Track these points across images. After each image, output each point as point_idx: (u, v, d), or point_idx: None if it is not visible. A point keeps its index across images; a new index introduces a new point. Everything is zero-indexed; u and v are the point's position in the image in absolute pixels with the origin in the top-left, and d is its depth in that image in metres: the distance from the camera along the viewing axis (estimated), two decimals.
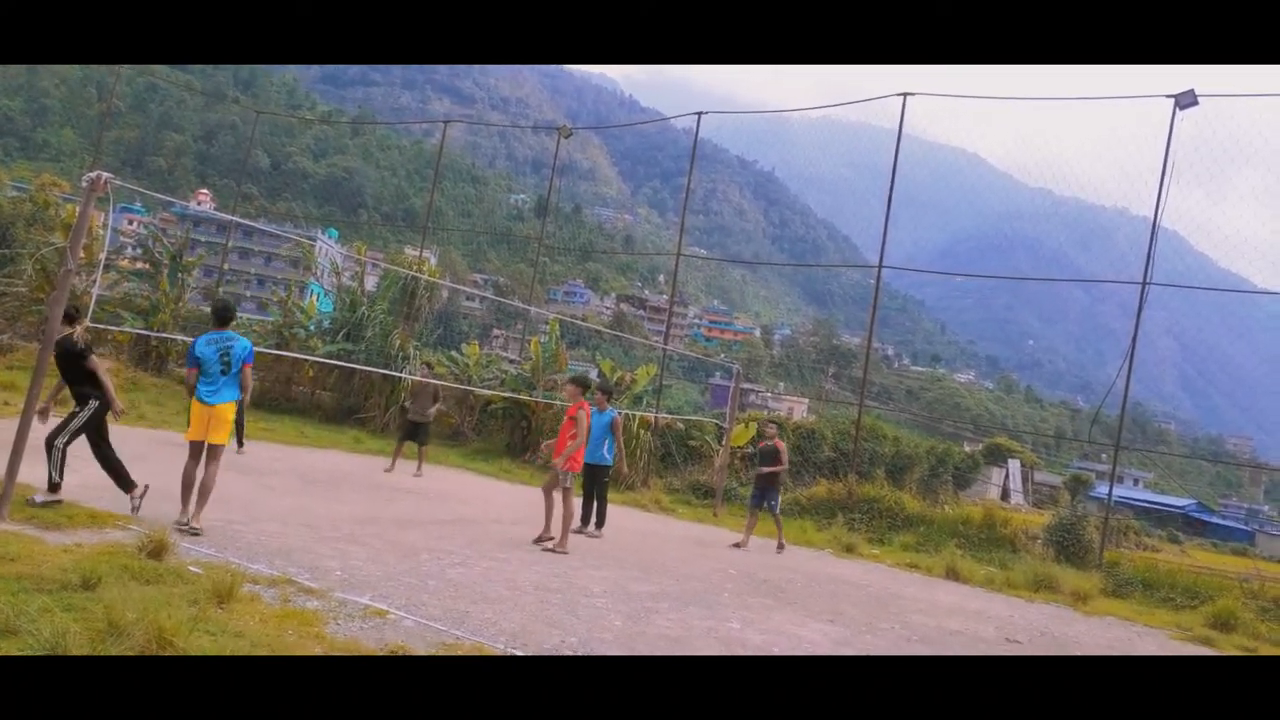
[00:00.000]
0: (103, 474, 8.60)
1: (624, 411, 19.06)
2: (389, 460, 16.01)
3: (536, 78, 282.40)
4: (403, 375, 20.38)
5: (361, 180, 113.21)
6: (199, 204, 74.35)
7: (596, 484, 12.23)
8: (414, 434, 16.05)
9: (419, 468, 15.90)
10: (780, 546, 13.30)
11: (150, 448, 13.29)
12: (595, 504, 12.23)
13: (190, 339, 8.80)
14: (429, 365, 18.49)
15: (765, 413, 28.85)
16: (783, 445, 13.60)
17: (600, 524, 12.16)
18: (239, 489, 10.88)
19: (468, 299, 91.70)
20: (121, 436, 13.80)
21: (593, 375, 23.77)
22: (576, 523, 12.10)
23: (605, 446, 12.10)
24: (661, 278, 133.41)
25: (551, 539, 10.38)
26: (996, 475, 39.02)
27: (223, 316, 8.72)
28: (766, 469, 13.34)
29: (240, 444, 14.56)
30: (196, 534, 7.74)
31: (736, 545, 13.00)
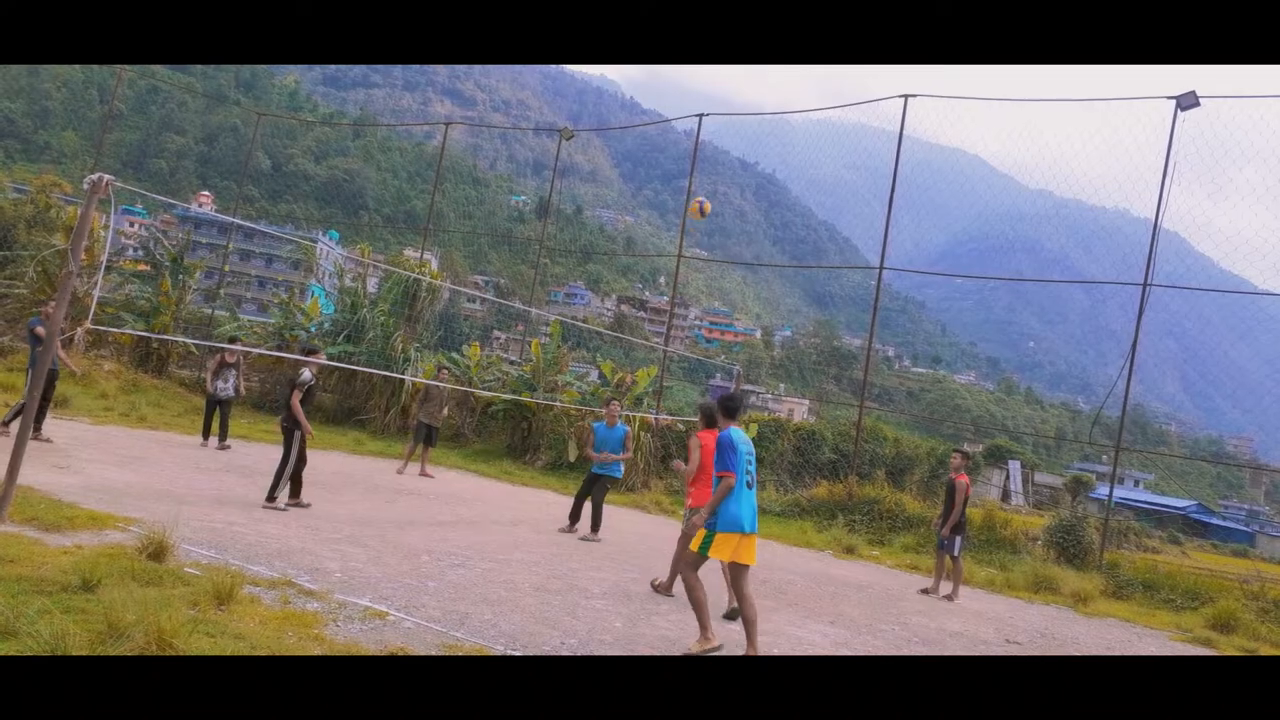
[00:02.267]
0: (105, 476, 8.62)
1: (624, 412, 19.06)
2: (400, 463, 16.43)
3: (537, 80, 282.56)
4: (405, 377, 20.43)
5: (363, 182, 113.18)
6: (200, 206, 74.37)
7: (596, 489, 12.13)
8: (428, 436, 16.44)
9: (423, 468, 16.13)
10: (951, 596, 11.41)
11: (151, 449, 13.30)
12: (593, 508, 12.15)
13: (188, 340, 8.84)
14: (447, 369, 18.67)
15: (767, 414, 28.83)
16: (964, 480, 11.62)
17: (595, 528, 12.03)
18: (239, 490, 10.89)
19: (469, 301, 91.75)
20: (124, 438, 13.85)
21: (592, 378, 23.76)
22: (565, 522, 12.12)
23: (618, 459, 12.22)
24: (662, 279, 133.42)
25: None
26: (997, 476, 39.03)
27: (731, 409, 7.19)
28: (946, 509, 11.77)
29: (221, 439, 14.81)
30: None
31: (925, 591, 11.60)
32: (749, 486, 6.72)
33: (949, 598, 11.35)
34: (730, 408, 7.12)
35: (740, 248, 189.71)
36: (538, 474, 18.85)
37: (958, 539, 11.54)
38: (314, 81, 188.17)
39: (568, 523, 12.11)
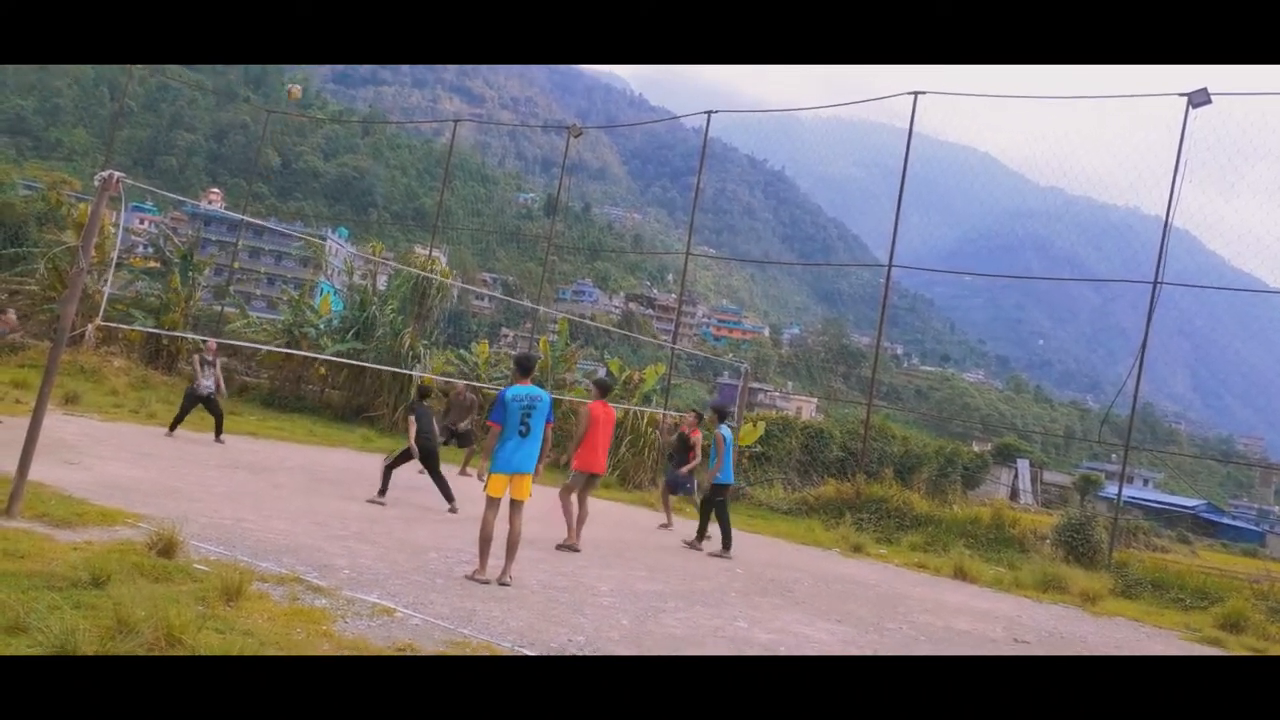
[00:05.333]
0: (114, 472, 8.67)
1: (632, 409, 19.06)
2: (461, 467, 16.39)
3: (546, 77, 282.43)
4: (414, 373, 20.48)
5: (372, 179, 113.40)
6: (210, 203, 74.61)
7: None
8: (460, 439, 16.53)
9: (464, 468, 16.42)
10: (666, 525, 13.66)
11: (160, 445, 13.36)
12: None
13: (197, 337, 8.97)
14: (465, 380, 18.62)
15: (775, 412, 28.80)
16: (698, 435, 13.60)
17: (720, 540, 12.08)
18: (249, 487, 10.94)
19: (477, 298, 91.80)
20: (134, 435, 13.91)
21: (600, 374, 23.78)
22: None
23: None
24: (670, 277, 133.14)
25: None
26: (1005, 475, 38.87)
27: (525, 367, 8.34)
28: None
29: (219, 435, 14.86)
30: (506, 585, 7.73)
31: (662, 526, 13.65)
32: (521, 435, 7.87)
33: (664, 526, 13.41)
34: (524, 366, 8.30)
35: (748, 245, 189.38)
36: (544, 472, 18.84)
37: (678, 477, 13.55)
38: (323, 79, 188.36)
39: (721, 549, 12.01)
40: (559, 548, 10.05)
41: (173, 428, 14.83)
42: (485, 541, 7.84)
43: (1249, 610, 11.80)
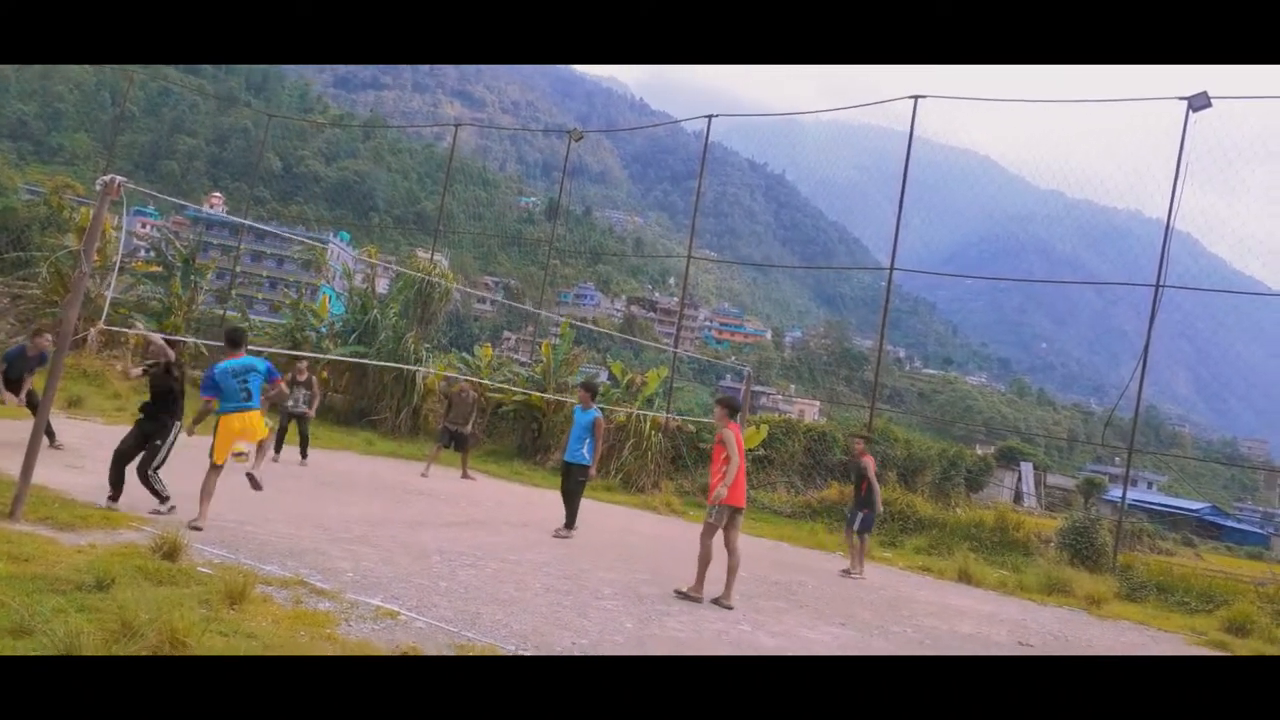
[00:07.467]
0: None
1: (635, 412, 19.06)
2: (424, 465, 16.31)
3: (547, 81, 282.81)
4: (416, 369, 20.48)
5: (373, 183, 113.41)
6: (211, 207, 74.63)
7: (571, 483, 11.90)
8: (458, 442, 16.60)
9: (464, 471, 16.66)
10: (849, 571, 12.11)
11: None
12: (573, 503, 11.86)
13: (201, 340, 9.23)
14: (470, 379, 18.62)
15: (778, 415, 28.77)
16: (869, 460, 12.49)
17: (569, 524, 11.76)
18: (251, 490, 10.91)
19: (479, 302, 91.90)
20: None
21: (602, 378, 23.78)
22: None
23: (585, 446, 11.87)
24: (672, 280, 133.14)
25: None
26: (1009, 478, 38.82)
27: (235, 340, 8.72)
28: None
29: (304, 455, 14.93)
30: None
31: (845, 572, 12.12)
32: (245, 401, 8.50)
33: (846, 572, 12.00)
34: (233, 340, 8.67)
35: (750, 249, 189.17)
36: (548, 474, 18.85)
37: (859, 515, 12.14)
38: (324, 83, 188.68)
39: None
40: (679, 594, 8.68)
41: (277, 450, 14.61)
42: (210, 495, 8.43)
43: (1254, 613, 11.79)
